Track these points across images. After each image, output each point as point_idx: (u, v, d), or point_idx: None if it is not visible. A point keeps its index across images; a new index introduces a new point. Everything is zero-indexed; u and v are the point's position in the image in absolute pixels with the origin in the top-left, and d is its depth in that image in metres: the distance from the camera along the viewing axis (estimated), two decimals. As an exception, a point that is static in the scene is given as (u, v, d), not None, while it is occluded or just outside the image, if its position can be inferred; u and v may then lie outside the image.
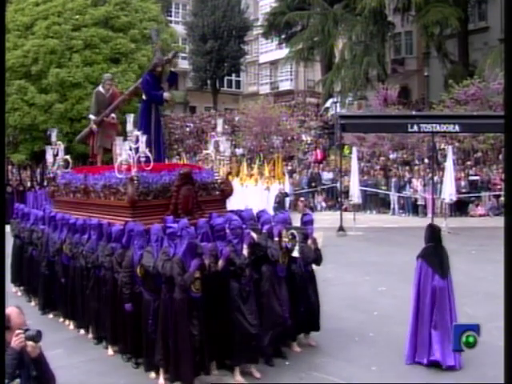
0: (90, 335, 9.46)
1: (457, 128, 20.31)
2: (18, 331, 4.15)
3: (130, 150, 8.92)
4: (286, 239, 8.20)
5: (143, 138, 9.02)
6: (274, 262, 8.16)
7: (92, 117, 12.54)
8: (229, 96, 56.59)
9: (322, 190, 28.97)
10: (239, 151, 34.34)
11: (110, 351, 8.77)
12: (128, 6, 30.86)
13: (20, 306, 4.53)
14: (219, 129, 10.74)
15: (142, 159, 8.98)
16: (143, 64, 29.61)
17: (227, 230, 8.00)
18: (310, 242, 8.77)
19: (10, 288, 12.18)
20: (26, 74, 28.83)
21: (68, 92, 28.58)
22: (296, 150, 34.82)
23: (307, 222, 9.20)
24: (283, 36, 45.72)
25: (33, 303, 11.55)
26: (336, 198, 27.12)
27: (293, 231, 8.29)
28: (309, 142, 36.36)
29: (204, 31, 48.80)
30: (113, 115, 12.42)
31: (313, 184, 29.08)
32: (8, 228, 11.52)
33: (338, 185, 24.80)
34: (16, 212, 13.24)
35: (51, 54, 28.28)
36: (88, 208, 10.45)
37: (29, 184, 30.24)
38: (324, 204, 28.38)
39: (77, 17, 29.25)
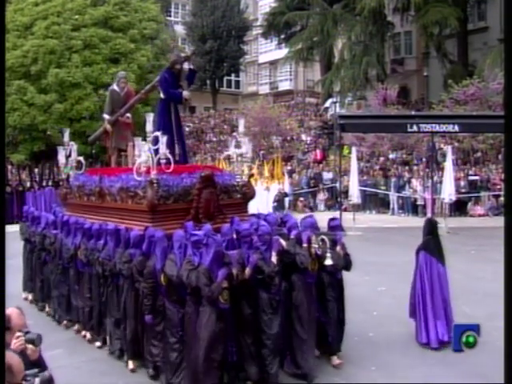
0: (107, 348, 8.90)
1: (456, 128, 20.31)
2: (18, 334, 4.11)
3: (149, 151, 8.47)
4: (316, 245, 7.81)
5: (164, 139, 8.58)
6: (303, 270, 7.69)
7: (106, 116, 12.00)
8: (228, 96, 56.62)
9: (322, 189, 28.95)
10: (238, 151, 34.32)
11: (131, 365, 8.16)
12: (127, 6, 30.87)
13: (21, 307, 4.53)
14: (241, 129, 10.34)
15: (162, 161, 8.50)
16: (143, 64, 29.67)
17: (254, 236, 7.59)
18: (338, 248, 8.26)
19: (21, 294, 11.95)
20: (25, 74, 28.83)
21: (67, 92, 28.58)
22: (295, 150, 34.86)
23: (335, 227, 8.75)
24: (282, 36, 45.79)
25: (45, 312, 11.08)
26: (335, 197, 27.12)
27: (323, 237, 7.89)
28: (308, 142, 36.42)
29: (203, 31, 48.83)
30: (128, 115, 11.98)
31: (312, 183, 29.06)
32: (9, 228, 11.34)
33: (338, 185, 24.81)
34: (25, 215, 12.71)
35: (50, 54, 28.27)
36: (103, 212, 9.93)
37: (28, 184, 30.20)
38: (323, 204, 28.38)
39: (76, 17, 29.25)
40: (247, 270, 7.14)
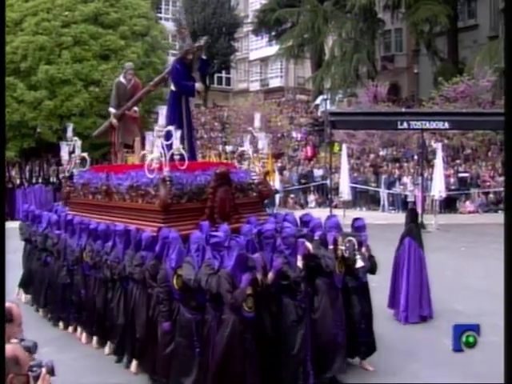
0: (107, 350, 8.57)
1: (446, 125, 20.45)
2: (13, 340, 4.07)
3: (162, 147, 7.85)
4: (343, 247, 7.31)
5: (177, 134, 8.00)
6: (329, 273, 7.17)
7: (112, 110, 11.46)
8: (219, 93, 56.50)
9: (314, 188, 28.93)
10: (229, 148, 34.32)
11: (133, 368, 7.79)
12: (118, 2, 30.68)
13: (17, 303, 4.51)
14: (257, 124, 9.70)
15: (176, 157, 7.94)
16: (133, 61, 29.51)
17: (278, 239, 7.06)
18: (363, 249, 7.68)
19: (15, 292, 11.39)
20: (14, 71, 28.63)
21: (57, 89, 28.39)
22: (286, 147, 34.86)
23: (360, 228, 8.33)
24: (273, 33, 45.86)
25: (41, 313, 10.59)
26: (326, 194, 27.14)
27: (351, 238, 7.39)
28: (299, 139, 36.43)
29: (194, 28, 48.68)
30: (135, 108, 11.47)
31: (302, 181, 29.05)
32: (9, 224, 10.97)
33: (328, 182, 24.83)
34: (26, 214, 12.10)
35: (40, 51, 28.10)
36: (110, 212, 9.34)
37: (18, 181, 30.04)
38: (314, 201, 28.38)
39: (66, 13, 29.05)
40: (270, 275, 6.66)
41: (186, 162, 8.18)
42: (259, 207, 9.49)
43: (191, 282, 6.63)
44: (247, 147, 9.69)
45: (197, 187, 8.34)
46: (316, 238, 7.49)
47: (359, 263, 7.34)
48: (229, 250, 6.57)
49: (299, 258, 6.90)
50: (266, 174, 9.87)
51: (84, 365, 8.24)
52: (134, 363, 7.80)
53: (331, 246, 7.29)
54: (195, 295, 6.77)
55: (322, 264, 7.08)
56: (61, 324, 9.91)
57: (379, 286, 12.13)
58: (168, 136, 8.03)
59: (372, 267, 7.95)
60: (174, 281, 6.92)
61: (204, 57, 10.33)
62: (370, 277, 12.83)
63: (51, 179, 29.03)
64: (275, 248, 7.04)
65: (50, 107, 28.14)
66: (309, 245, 7.21)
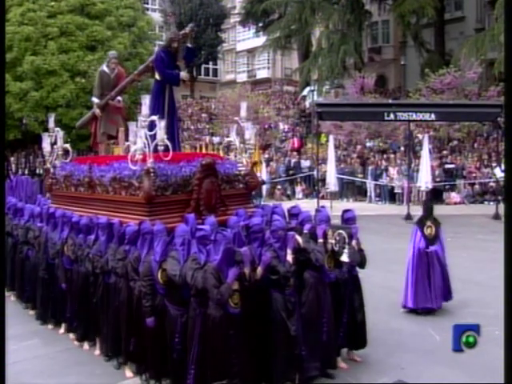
0: (97, 351, 8.27)
1: (433, 116, 20.53)
2: None
3: (146, 137, 7.66)
4: (333, 241, 7.16)
5: (162, 124, 7.81)
6: (318, 267, 7.02)
7: (95, 100, 11.26)
8: (206, 84, 56.35)
9: (301, 179, 28.97)
10: (216, 139, 34.28)
11: (128, 373, 7.48)
12: (104, -8, 30.55)
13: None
14: (243, 113, 9.48)
15: (160, 148, 7.77)
16: (119, 52, 29.37)
17: (266, 232, 6.89)
18: (354, 242, 7.50)
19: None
20: (0, 62, 28.49)
21: (43, 80, 28.23)
22: (273, 139, 34.86)
23: (350, 220, 8.02)
24: (260, 24, 45.74)
25: (31, 312, 10.13)
26: (313, 185, 27.19)
27: (341, 231, 7.22)
28: (286, 130, 36.44)
29: (181, 19, 48.45)
30: (119, 98, 11.19)
31: (290, 172, 29.09)
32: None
33: (315, 173, 24.87)
34: (8, 207, 11.62)
35: (26, 42, 27.91)
36: (93, 204, 9.18)
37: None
38: (301, 192, 28.43)
39: (52, 3, 28.84)
40: (259, 270, 6.47)
41: (171, 153, 7.96)
42: (247, 199, 9.32)
43: (176, 277, 6.49)
44: (234, 137, 9.53)
45: (182, 179, 8.17)
46: (305, 231, 7.33)
47: (344, 257, 7.18)
48: (215, 243, 6.38)
49: (289, 252, 6.72)
50: (254, 165, 9.72)
51: (69, 357, 8.21)
52: (128, 368, 7.55)
53: (321, 240, 7.15)
54: (180, 290, 6.61)
55: (312, 258, 6.93)
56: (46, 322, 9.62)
57: (364, 277, 12.26)
58: (152, 126, 7.89)
59: (362, 261, 7.80)
60: (159, 275, 6.77)
61: (190, 45, 10.10)
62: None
63: (37, 171, 28.88)
64: (264, 242, 6.87)
65: (36, 98, 27.98)
66: (299, 238, 7.04)
